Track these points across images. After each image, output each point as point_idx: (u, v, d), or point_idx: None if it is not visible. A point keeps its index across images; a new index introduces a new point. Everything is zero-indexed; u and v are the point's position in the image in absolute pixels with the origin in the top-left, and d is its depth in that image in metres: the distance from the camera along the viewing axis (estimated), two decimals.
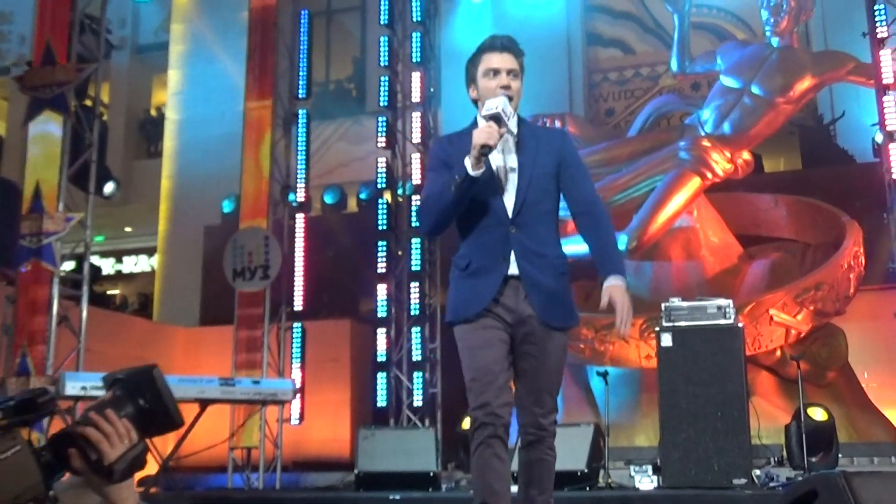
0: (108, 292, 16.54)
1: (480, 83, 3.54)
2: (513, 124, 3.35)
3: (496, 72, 3.46)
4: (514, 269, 3.42)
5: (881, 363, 9.93)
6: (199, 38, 15.38)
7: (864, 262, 10.30)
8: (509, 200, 3.47)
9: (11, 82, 13.89)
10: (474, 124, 3.46)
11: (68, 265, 8.05)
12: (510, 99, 3.36)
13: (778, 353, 10.11)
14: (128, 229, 16.48)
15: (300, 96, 10.81)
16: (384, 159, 10.91)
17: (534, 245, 3.50)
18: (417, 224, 4.06)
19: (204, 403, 7.63)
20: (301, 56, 10.93)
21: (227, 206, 12.99)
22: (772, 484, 7.16)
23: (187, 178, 14.80)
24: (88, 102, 8.43)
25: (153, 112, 16.91)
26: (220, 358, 10.14)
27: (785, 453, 8.04)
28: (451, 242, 12.18)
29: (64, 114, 7.93)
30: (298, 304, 10.33)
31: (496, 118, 3.24)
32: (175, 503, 7.16)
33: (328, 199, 13.20)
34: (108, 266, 17.30)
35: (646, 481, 7.32)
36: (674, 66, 11.85)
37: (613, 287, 3.48)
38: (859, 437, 9.53)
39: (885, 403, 10.00)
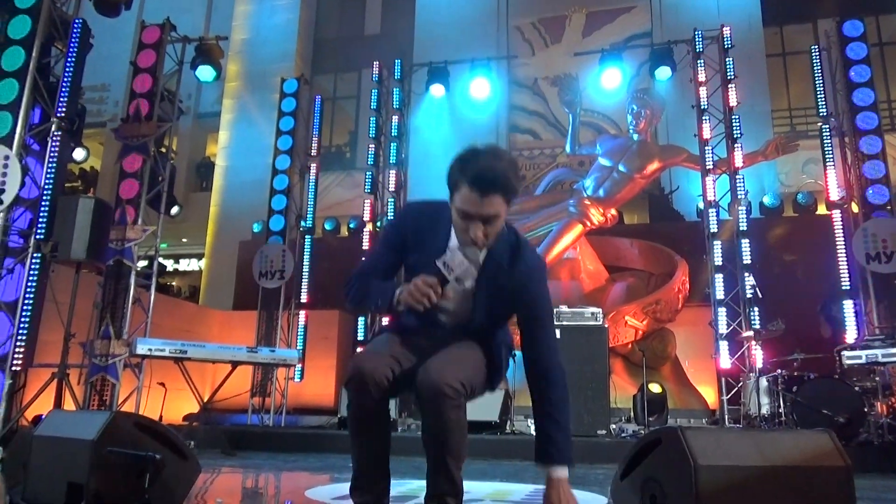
0: (169, 283, 16.14)
1: (456, 213, 2.08)
2: (469, 272, 2.10)
3: (473, 218, 2.03)
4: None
5: (698, 355, 10.13)
6: (242, 109, 15.23)
7: (688, 287, 10.53)
8: (449, 315, 2.24)
9: (107, 132, 13.60)
10: (446, 213, 2.15)
11: (142, 263, 7.85)
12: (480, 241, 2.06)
13: (629, 346, 10.27)
14: (184, 240, 16.12)
15: (312, 154, 10.74)
16: (369, 201, 10.87)
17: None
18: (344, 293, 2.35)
19: (235, 364, 7.48)
20: (314, 127, 10.87)
21: (256, 228, 12.82)
22: (622, 434, 7.26)
23: (228, 207, 14.60)
24: (163, 150, 8.27)
25: (206, 159, 16.64)
26: (246, 333, 9.97)
27: (632, 414, 8.16)
28: None
29: (146, 156, 7.76)
30: (304, 298, 10.21)
31: (442, 280, 2.05)
32: (210, 433, 6.99)
33: (328, 226, 13.10)
34: (169, 265, 16.91)
35: None
36: (567, 149, 12.04)
37: (560, 481, 2.25)
38: (681, 405, 9.70)
39: (699, 382, 10.20)
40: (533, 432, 7.42)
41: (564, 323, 7.19)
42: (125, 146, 7.86)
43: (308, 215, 10.53)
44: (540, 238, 11.32)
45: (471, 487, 4.44)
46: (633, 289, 10.99)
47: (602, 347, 7.09)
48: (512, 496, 4.17)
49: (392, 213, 10.85)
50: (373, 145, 11.13)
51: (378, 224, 10.92)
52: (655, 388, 8.13)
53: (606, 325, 7.33)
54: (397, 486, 4.44)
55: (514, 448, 6.60)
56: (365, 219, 10.92)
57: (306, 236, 10.47)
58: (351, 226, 12.94)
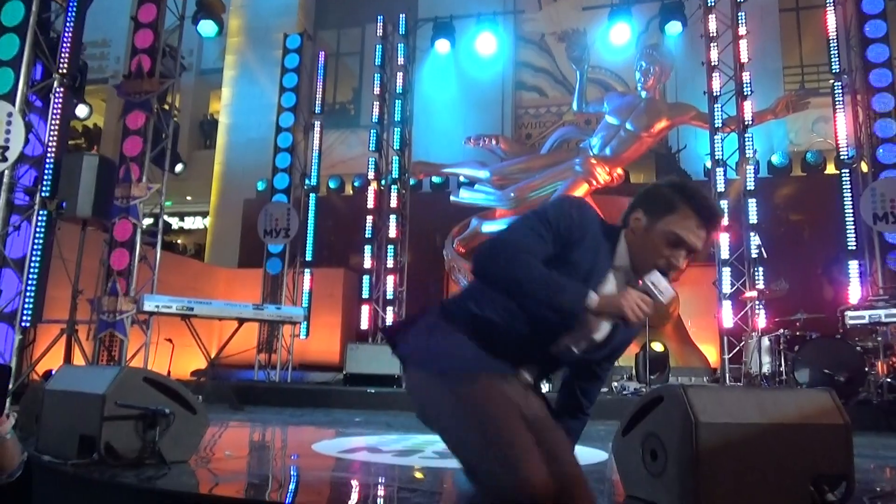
0: (174, 241, 16.20)
1: (657, 235, 1.74)
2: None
3: (683, 246, 1.74)
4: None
5: (700, 315, 10.17)
6: (245, 66, 15.03)
7: None
8: (584, 346, 1.76)
9: (109, 88, 13.47)
10: (595, 226, 1.77)
11: (147, 220, 7.87)
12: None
13: None
14: (188, 198, 16.10)
15: (316, 112, 10.64)
16: (374, 160, 10.81)
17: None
18: (478, 258, 1.70)
19: (241, 321, 7.56)
20: (317, 84, 10.74)
21: (260, 186, 12.79)
22: (624, 392, 7.35)
23: (232, 165, 14.54)
24: (166, 107, 8.20)
25: (209, 116, 16.51)
26: (251, 290, 10.04)
27: (634, 372, 8.23)
28: (420, 218, 11.95)
29: (149, 113, 7.70)
30: (309, 256, 10.25)
31: (651, 297, 1.68)
32: (218, 389, 7.11)
33: (332, 185, 13.05)
34: (174, 223, 16.94)
35: (543, 387, 7.44)
36: (574, 106, 11.85)
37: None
38: (683, 363, 9.77)
39: (701, 341, 10.27)
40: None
41: None
42: (128, 103, 7.79)
43: (312, 173, 10.49)
44: (545, 197, 11.26)
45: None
46: None
47: None
48: None
49: (398, 171, 10.78)
50: (377, 102, 11.01)
51: (383, 182, 10.88)
52: (658, 346, 8.20)
53: None
54: (402, 441, 4.53)
55: None
56: (370, 177, 10.89)
57: (311, 194, 10.45)
58: (355, 184, 12.90)
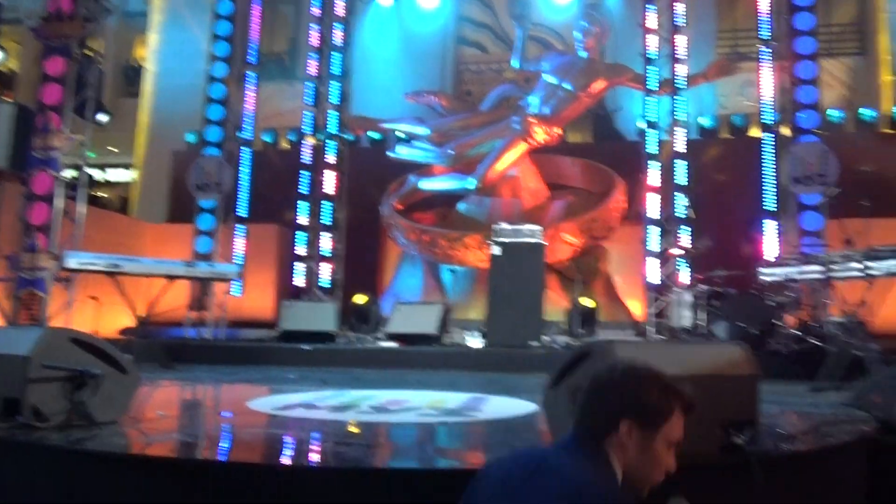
0: (97, 195, 15.48)
1: (659, 447, 1.50)
2: None
3: (674, 445, 1.54)
4: None
5: (629, 271, 10.52)
6: (173, 10, 14.27)
7: (625, 206, 10.80)
8: None
9: (25, 30, 12.57)
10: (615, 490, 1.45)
11: (68, 173, 7.51)
12: None
13: (565, 262, 10.55)
14: (111, 148, 15.36)
15: (250, 62, 10.28)
16: (311, 114, 10.57)
17: None
18: None
19: (171, 278, 7.37)
20: (250, 32, 10.35)
21: (190, 137, 12.33)
22: (554, 346, 7.60)
23: (160, 115, 13.92)
24: (88, 52, 7.75)
25: (133, 63, 15.68)
26: (181, 247, 9.76)
27: (565, 327, 8.51)
28: (358, 174, 11.77)
29: (69, 59, 7.27)
30: (242, 212, 10.03)
31: None
32: (148, 347, 6.95)
33: (267, 139, 12.70)
34: (96, 174, 16.15)
35: (474, 341, 7.63)
36: (514, 64, 11.84)
37: None
38: (611, 318, 10.12)
39: (628, 297, 10.66)
40: (470, 343, 7.66)
41: (504, 240, 7.33)
42: (46, 47, 7.32)
43: (246, 126, 10.18)
44: (483, 155, 11.30)
45: (409, 397, 4.64)
46: (572, 207, 11.20)
47: (539, 264, 7.30)
48: (448, 404, 4.37)
49: (335, 125, 10.58)
50: (316, 54, 10.70)
51: (320, 137, 10.67)
52: (587, 302, 8.48)
53: (544, 243, 7.51)
54: (338, 397, 4.59)
55: (451, 359, 6.85)
56: (306, 132, 10.65)
57: (244, 148, 10.16)
58: (291, 138, 12.61)
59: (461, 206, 11.54)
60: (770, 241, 8.84)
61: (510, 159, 11.19)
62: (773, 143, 9.17)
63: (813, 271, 6.68)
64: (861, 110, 11.31)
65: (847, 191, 7.43)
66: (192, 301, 9.33)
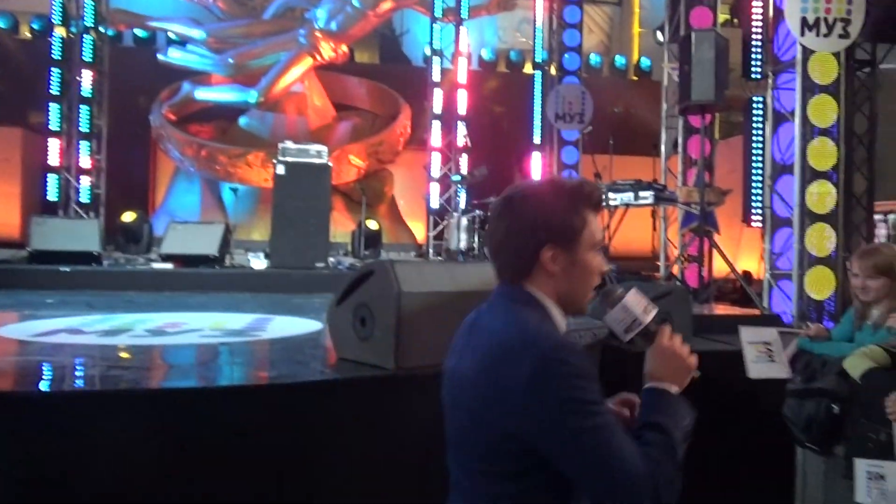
0: None
1: (584, 259, 1.35)
2: None
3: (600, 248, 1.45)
4: None
5: (412, 195, 10.98)
6: None
7: (409, 131, 11.11)
8: None
9: None
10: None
11: None
12: None
13: (351, 184, 10.65)
14: None
15: None
16: (60, 0, 9.11)
17: None
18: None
19: None
20: None
21: None
22: (339, 266, 7.76)
23: None
24: None
25: None
26: None
27: (350, 248, 8.70)
28: (122, 76, 10.58)
29: None
30: None
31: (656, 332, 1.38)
32: None
33: (2, 24, 10.76)
34: None
35: (258, 263, 7.50)
36: None
37: None
38: (395, 240, 10.56)
39: (411, 220, 11.17)
40: (253, 264, 7.52)
41: (289, 159, 7.19)
42: None
43: None
44: (266, 67, 10.77)
45: (189, 319, 4.49)
46: (359, 129, 11.25)
47: (325, 185, 7.29)
48: (231, 325, 4.33)
49: (92, 16, 9.25)
50: None
51: (73, 29, 9.28)
52: (372, 224, 8.72)
53: (331, 164, 7.50)
54: (107, 321, 4.29)
55: (234, 281, 6.69)
56: (54, 20, 9.19)
57: None
58: (35, 26, 10.82)
59: (242, 121, 10.99)
60: (536, 171, 9.75)
61: (296, 74, 10.83)
62: (542, 81, 9.98)
63: None
64: (616, 57, 12.70)
65: (598, 130, 8.45)
66: None
